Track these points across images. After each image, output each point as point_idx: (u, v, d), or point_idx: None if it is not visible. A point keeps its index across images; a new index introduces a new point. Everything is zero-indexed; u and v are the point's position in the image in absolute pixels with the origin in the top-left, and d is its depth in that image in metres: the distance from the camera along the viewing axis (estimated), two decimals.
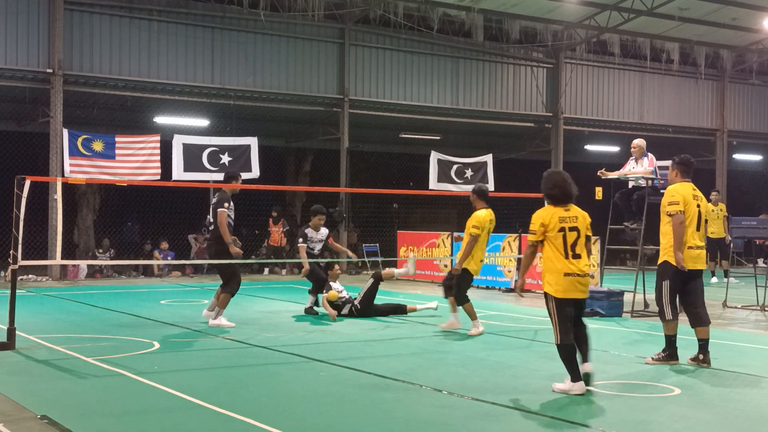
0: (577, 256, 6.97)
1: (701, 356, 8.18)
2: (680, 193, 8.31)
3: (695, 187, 8.52)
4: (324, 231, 12.72)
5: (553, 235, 6.98)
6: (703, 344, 8.19)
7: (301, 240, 12.54)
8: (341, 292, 12.11)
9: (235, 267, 10.95)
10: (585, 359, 6.97)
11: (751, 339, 10.36)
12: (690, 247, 8.25)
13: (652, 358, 8.33)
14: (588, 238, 7.13)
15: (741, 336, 10.53)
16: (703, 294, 8.38)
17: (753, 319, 12.45)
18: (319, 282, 12.29)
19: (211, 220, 11.06)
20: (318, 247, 12.66)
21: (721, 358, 8.41)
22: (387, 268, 12.00)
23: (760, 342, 10.09)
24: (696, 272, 8.31)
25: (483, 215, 10.93)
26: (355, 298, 12.07)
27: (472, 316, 10.51)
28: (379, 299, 12.26)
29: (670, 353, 8.28)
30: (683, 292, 8.33)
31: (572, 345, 6.90)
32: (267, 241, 21.45)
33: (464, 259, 10.70)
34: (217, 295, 11.16)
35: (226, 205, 10.76)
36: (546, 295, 7.01)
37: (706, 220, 8.61)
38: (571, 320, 6.93)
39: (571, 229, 7.00)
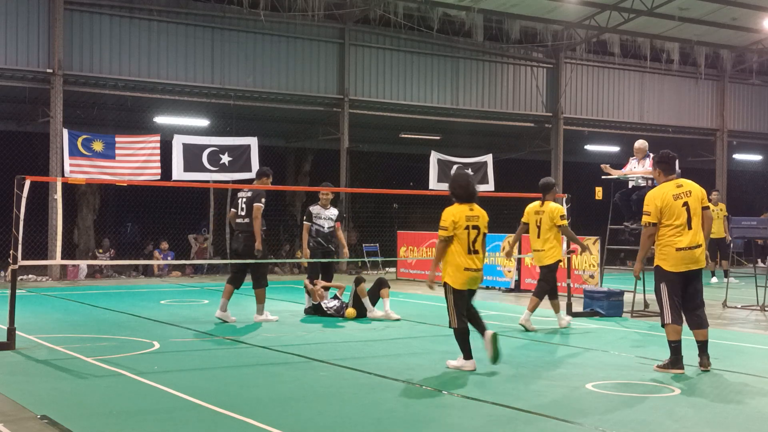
0: (476, 252, 7.75)
1: (700, 359, 7.85)
2: (655, 199, 7.82)
3: (681, 183, 7.94)
4: (334, 210, 12.57)
5: (460, 232, 7.69)
6: (701, 346, 7.86)
7: (305, 217, 12.48)
8: (331, 307, 12.01)
9: (265, 263, 11.31)
10: (484, 329, 7.89)
11: (751, 339, 10.36)
12: (679, 249, 7.73)
13: (657, 365, 7.89)
14: (485, 235, 7.88)
15: (741, 336, 10.53)
16: (701, 295, 7.95)
17: (753, 319, 12.45)
18: (312, 272, 12.29)
19: (241, 214, 11.26)
20: (327, 225, 12.40)
21: (721, 358, 8.41)
22: (362, 285, 11.92)
23: (760, 342, 10.09)
24: (691, 274, 7.81)
25: (553, 207, 11.17)
26: (347, 304, 12.01)
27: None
28: (380, 300, 12.20)
29: (671, 360, 7.79)
30: (685, 294, 7.85)
31: (466, 328, 7.78)
32: (204, 239, 20.89)
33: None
34: (228, 294, 11.29)
35: (263, 200, 11.14)
36: (446, 284, 7.80)
37: (706, 209, 7.94)
38: (465, 307, 7.81)
39: (474, 227, 7.75)
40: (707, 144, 27.95)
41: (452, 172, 21.45)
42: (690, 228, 7.76)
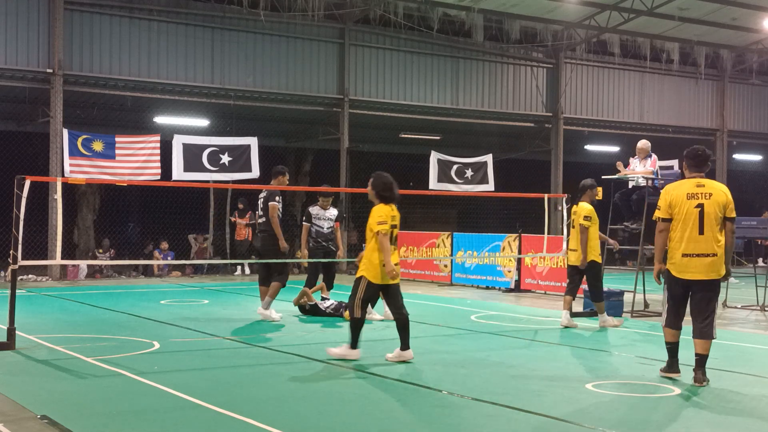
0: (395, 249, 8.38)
1: (694, 373, 7.24)
2: (668, 195, 7.32)
3: (704, 183, 7.30)
4: (333, 211, 12.63)
5: (387, 229, 8.21)
6: (698, 360, 7.24)
7: (305, 218, 12.57)
8: (329, 306, 12.01)
9: (287, 262, 11.57)
10: (407, 346, 8.32)
11: (751, 339, 10.36)
12: (685, 255, 7.17)
13: (661, 369, 7.59)
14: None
15: (741, 336, 10.53)
16: (710, 306, 7.24)
17: (753, 319, 12.45)
18: (312, 274, 12.35)
19: (259, 213, 11.59)
20: (327, 225, 12.47)
21: (721, 358, 8.41)
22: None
23: (760, 342, 10.09)
24: (695, 283, 7.21)
25: (589, 208, 11.25)
26: (347, 303, 11.98)
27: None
28: (380, 300, 12.15)
29: (668, 363, 7.49)
30: (692, 302, 7.33)
31: (363, 320, 8.32)
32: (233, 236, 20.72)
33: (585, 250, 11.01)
34: (267, 290, 11.53)
35: (277, 198, 11.39)
36: (362, 278, 8.27)
37: (726, 219, 7.21)
38: (373, 300, 8.54)
39: (393, 226, 8.29)
40: (707, 144, 27.83)
41: (452, 172, 21.47)
42: (702, 233, 7.13)
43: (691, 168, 7.47)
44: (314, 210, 12.52)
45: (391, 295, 8.47)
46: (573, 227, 11.22)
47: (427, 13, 21.88)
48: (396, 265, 8.27)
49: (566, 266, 11.71)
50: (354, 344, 8.29)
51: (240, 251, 20.23)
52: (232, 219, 20.28)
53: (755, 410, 6.35)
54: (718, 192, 7.26)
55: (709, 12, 22.79)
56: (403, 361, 8.18)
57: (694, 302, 7.30)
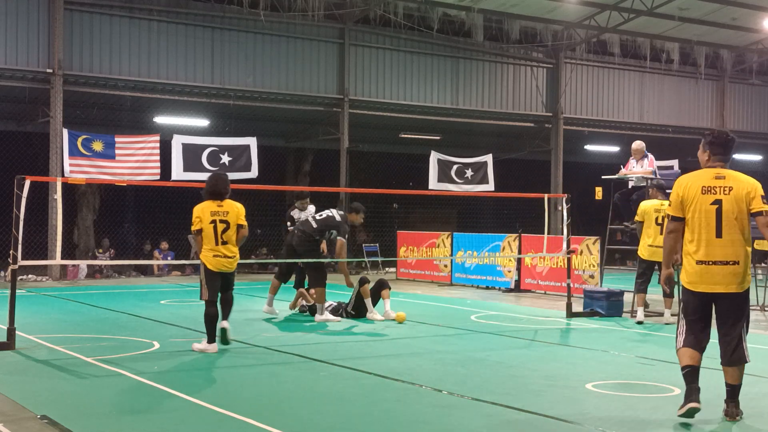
0: (224, 243, 8.78)
1: (725, 405, 6.12)
2: (680, 189, 6.04)
3: (724, 174, 5.95)
4: (311, 208, 12.78)
5: (206, 226, 8.78)
6: (729, 391, 6.10)
7: (289, 224, 12.66)
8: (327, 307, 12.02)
9: (323, 263, 11.75)
10: (225, 317, 8.88)
11: (751, 339, 10.31)
12: (700, 262, 5.90)
13: (678, 409, 6.05)
14: (239, 227, 8.89)
15: None
16: (737, 322, 6.15)
17: (753, 319, 12.39)
18: (299, 276, 12.47)
19: (314, 227, 11.69)
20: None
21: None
22: (366, 285, 11.93)
23: (760, 342, 10.09)
24: (715, 297, 6.00)
25: (647, 206, 11.57)
26: (347, 304, 11.99)
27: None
28: (380, 300, 12.16)
29: (685, 393, 6.00)
30: (717, 317, 6.13)
31: (215, 313, 8.80)
32: None
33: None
34: (274, 289, 12.06)
35: (347, 236, 11.72)
36: (202, 266, 8.87)
37: (759, 215, 5.85)
38: (217, 291, 8.84)
39: (222, 221, 8.76)
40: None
41: (452, 172, 21.48)
42: (720, 236, 5.85)
43: (714, 155, 6.06)
44: (295, 213, 12.73)
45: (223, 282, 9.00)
46: (660, 224, 11.28)
47: (427, 13, 21.88)
48: (225, 257, 8.81)
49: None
50: (211, 339, 8.78)
51: None
52: None
53: (755, 410, 6.35)
54: (741, 185, 5.89)
55: (709, 12, 22.79)
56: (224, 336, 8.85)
57: (718, 322, 6.09)
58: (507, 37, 23.23)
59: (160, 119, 21.16)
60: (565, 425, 5.83)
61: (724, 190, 5.88)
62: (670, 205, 6.13)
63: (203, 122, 21.70)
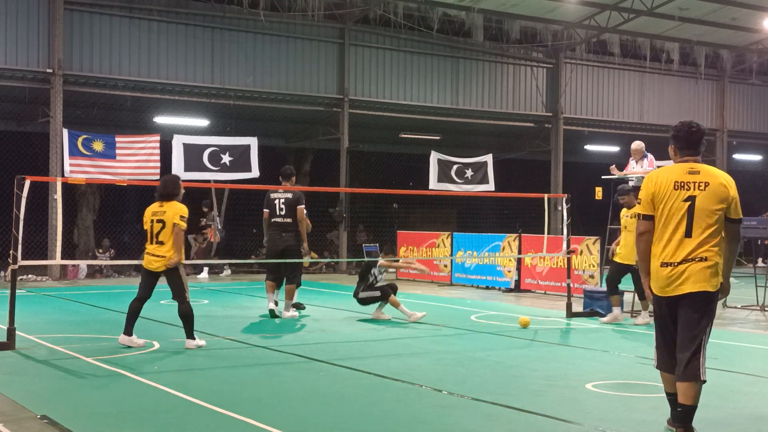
0: (159, 243, 8.87)
1: (666, 424, 5.67)
2: (651, 184, 5.51)
3: (698, 169, 5.43)
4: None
5: (147, 225, 9.01)
6: (680, 413, 5.38)
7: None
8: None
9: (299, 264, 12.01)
10: (186, 334, 9.03)
11: (751, 339, 10.36)
12: (665, 263, 5.37)
13: (668, 421, 5.76)
14: (174, 225, 8.81)
15: (741, 336, 10.53)
16: (688, 335, 5.35)
17: (753, 319, 12.46)
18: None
19: (281, 213, 11.81)
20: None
21: (721, 358, 8.41)
22: (393, 297, 11.94)
23: (760, 342, 10.09)
24: (680, 300, 5.36)
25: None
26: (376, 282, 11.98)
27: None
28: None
29: (671, 415, 5.61)
30: (678, 320, 5.45)
31: (134, 308, 9.14)
32: (203, 239, 20.41)
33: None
34: (273, 285, 11.98)
35: (304, 202, 11.77)
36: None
37: (729, 220, 5.41)
38: (144, 288, 9.12)
39: (158, 221, 8.88)
40: (707, 144, 27.81)
41: (452, 172, 21.50)
42: (690, 236, 5.33)
43: (680, 149, 5.57)
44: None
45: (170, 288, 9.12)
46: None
47: (427, 13, 21.88)
48: (153, 255, 8.93)
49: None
50: (129, 331, 9.04)
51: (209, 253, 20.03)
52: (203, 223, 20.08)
53: (755, 410, 6.35)
54: (718, 183, 5.38)
55: (709, 12, 22.79)
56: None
57: (678, 328, 5.42)
58: (507, 37, 23.23)
59: (160, 119, 21.16)
60: (565, 425, 5.83)
61: (699, 186, 5.37)
62: (639, 202, 5.63)
63: (203, 122, 21.70)
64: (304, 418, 5.98)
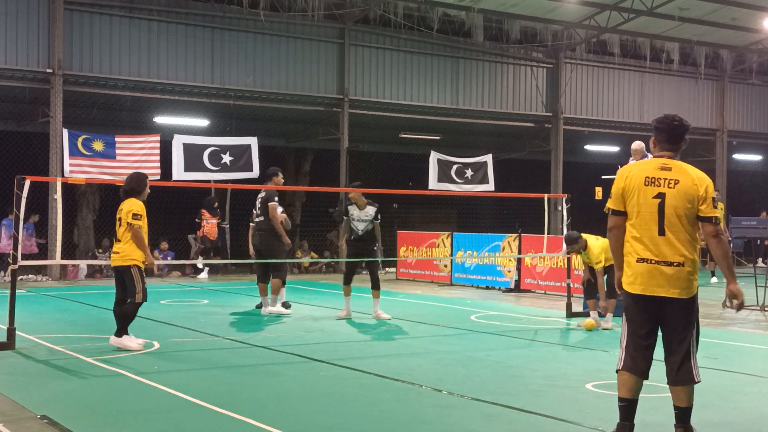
0: (118, 240, 8.92)
1: (675, 430, 5.35)
2: (621, 180, 5.33)
3: (671, 165, 5.22)
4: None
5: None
6: (678, 414, 5.29)
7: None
8: None
9: (283, 256, 12.22)
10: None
11: (751, 339, 10.36)
12: (641, 260, 5.17)
13: None
14: (129, 225, 8.77)
15: (741, 336, 10.53)
16: (676, 343, 5.16)
17: (753, 319, 12.46)
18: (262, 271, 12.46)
19: (258, 212, 12.12)
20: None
21: (721, 358, 8.41)
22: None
23: (760, 342, 10.09)
24: (659, 304, 5.16)
25: None
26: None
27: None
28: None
29: (617, 428, 5.33)
30: (662, 332, 5.26)
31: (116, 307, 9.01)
32: (201, 233, 20.12)
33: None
34: (265, 287, 12.24)
35: (276, 198, 11.97)
36: None
37: (700, 219, 5.16)
38: (118, 287, 9.02)
39: (118, 218, 8.93)
40: (707, 144, 27.94)
41: (452, 172, 21.51)
42: (663, 234, 5.13)
43: (659, 142, 5.37)
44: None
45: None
46: None
47: (427, 13, 21.88)
48: (114, 252, 8.95)
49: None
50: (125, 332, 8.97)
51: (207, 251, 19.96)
52: (199, 221, 19.94)
53: (755, 410, 6.35)
54: (689, 180, 5.18)
55: (709, 12, 22.80)
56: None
57: (663, 334, 5.24)
58: (507, 37, 23.23)
59: (160, 119, 21.16)
60: (565, 425, 5.83)
61: (669, 183, 5.15)
62: (610, 197, 5.39)
63: (203, 122, 21.70)
64: (304, 418, 5.98)
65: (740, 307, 5.29)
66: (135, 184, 9.01)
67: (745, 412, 6.27)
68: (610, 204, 5.36)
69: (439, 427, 5.81)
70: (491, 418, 6.06)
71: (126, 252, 8.82)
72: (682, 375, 5.15)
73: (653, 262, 5.13)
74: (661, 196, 5.13)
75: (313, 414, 6.11)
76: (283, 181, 12.56)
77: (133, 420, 5.89)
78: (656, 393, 6.94)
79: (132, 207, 8.83)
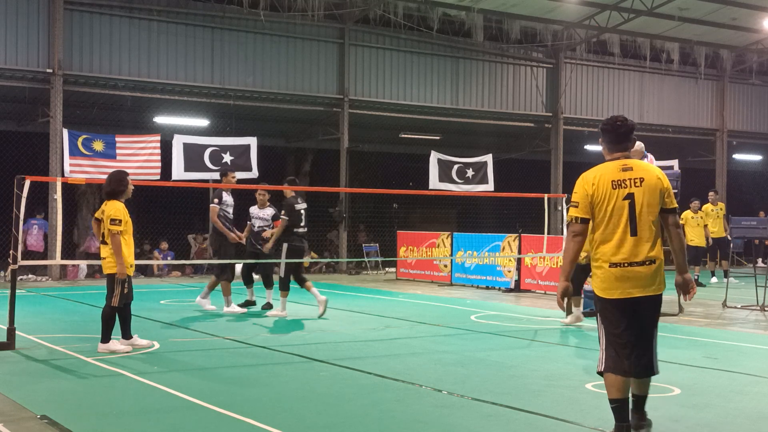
0: (104, 243, 8.68)
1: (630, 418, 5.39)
2: (586, 185, 5.36)
3: (631, 165, 5.34)
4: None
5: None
6: (636, 401, 5.52)
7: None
8: None
9: (231, 251, 12.36)
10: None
11: (751, 339, 10.36)
12: (614, 264, 5.21)
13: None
14: (108, 231, 8.57)
15: (741, 336, 10.53)
16: (647, 336, 5.32)
17: (753, 319, 12.45)
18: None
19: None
20: (258, 224, 13.31)
21: (721, 358, 8.41)
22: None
23: (759, 342, 10.09)
24: (634, 303, 5.23)
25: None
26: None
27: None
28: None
29: (614, 429, 5.34)
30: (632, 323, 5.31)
31: (122, 313, 8.88)
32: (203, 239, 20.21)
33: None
34: (210, 283, 12.67)
35: (216, 200, 12.27)
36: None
37: (666, 211, 5.30)
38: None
39: (99, 219, 8.72)
40: (707, 144, 27.95)
41: (453, 172, 21.51)
42: (635, 234, 5.20)
43: (608, 143, 5.49)
44: (253, 210, 13.40)
45: None
46: None
47: (427, 13, 21.88)
48: (102, 258, 8.80)
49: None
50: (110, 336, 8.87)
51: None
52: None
53: (755, 410, 6.35)
54: (653, 176, 5.28)
55: (709, 12, 22.80)
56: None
57: (636, 329, 5.29)
58: (507, 37, 23.24)
59: (160, 119, 21.16)
60: (565, 425, 5.83)
61: (635, 182, 5.25)
62: (576, 206, 5.34)
63: (203, 122, 21.70)
64: (304, 418, 5.98)
65: (692, 295, 5.47)
66: (116, 185, 8.73)
67: (745, 412, 6.27)
68: (576, 213, 5.33)
69: (439, 427, 5.81)
70: (491, 418, 6.06)
71: (113, 259, 8.68)
72: (645, 368, 5.32)
73: (626, 264, 5.20)
74: (630, 196, 5.22)
75: (313, 414, 6.11)
76: (234, 179, 12.81)
77: (133, 420, 5.89)
78: (656, 393, 6.94)
79: (111, 212, 8.55)
